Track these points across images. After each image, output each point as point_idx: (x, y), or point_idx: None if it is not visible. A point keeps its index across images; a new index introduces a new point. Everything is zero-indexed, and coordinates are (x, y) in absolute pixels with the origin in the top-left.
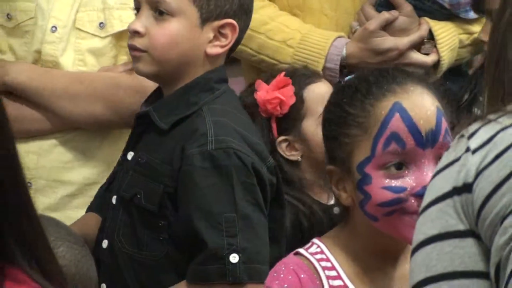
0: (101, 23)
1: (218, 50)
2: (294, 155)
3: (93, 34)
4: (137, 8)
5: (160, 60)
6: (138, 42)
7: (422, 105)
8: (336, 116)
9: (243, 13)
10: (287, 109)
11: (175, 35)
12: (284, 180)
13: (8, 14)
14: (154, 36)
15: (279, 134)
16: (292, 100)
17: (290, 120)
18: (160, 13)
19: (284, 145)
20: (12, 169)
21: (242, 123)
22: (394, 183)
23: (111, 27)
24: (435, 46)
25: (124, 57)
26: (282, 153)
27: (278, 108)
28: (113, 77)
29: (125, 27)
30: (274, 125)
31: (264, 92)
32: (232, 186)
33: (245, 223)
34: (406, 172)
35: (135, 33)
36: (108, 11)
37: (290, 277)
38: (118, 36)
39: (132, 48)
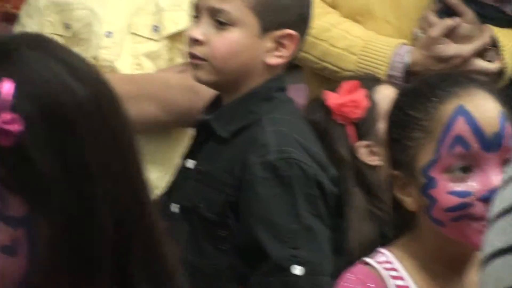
0: (155, 26)
1: (278, 60)
2: (375, 160)
3: (148, 38)
4: (196, 16)
5: (220, 69)
6: (198, 50)
7: (485, 108)
8: (399, 120)
9: (302, 22)
10: (363, 112)
11: (235, 44)
12: (365, 188)
13: (66, 24)
14: (214, 45)
15: (357, 140)
16: (367, 103)
17: (365, 124)
18: (220, 22)
19: (364, 150)
20: (133, 183)
21: (302, 132)
22: (460, 187)
23: (165, 29)
24: (499, 54)
25: (179, 60)
26: (362, 159)
27: (355, 111)
28: (165, 77)
29: (178, 29)
30: (351, 131)
31: (336, 98)
32: (294, 197)
33: (308, 234)
34: (471, 176)
35: (195, 41)
36: (161, 14)
37: (358, 286)
38: (173, 38)
39: (192, 56)
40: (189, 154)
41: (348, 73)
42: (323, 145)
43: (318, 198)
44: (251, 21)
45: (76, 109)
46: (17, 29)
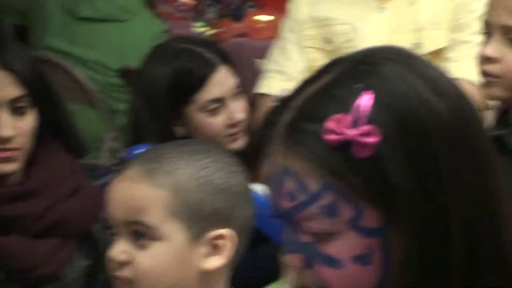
0: (415, 43)
1: None
2: None
3: None
4: (487, 33)
5: None
6: (492, 68)
7: None
8: None
9: None
10: None
11: None
12: None
13: (326, 39)
14: (509, 62)
15: None
16: None
17: None
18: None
19: None
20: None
21: None
22: None
23: (424, 47)
24: None
25: None
26: None
27: None
28: None
29: (438, 47)
30: None
31: None
32: None
33: None
34: None
35: (487, 59)
36: (421, 32)
37: None
38: (431, 55)
39: (485, 73)
40: None
41: None
42: None
43: None
44: None
45: (433, 122)
46: (278, 43)
